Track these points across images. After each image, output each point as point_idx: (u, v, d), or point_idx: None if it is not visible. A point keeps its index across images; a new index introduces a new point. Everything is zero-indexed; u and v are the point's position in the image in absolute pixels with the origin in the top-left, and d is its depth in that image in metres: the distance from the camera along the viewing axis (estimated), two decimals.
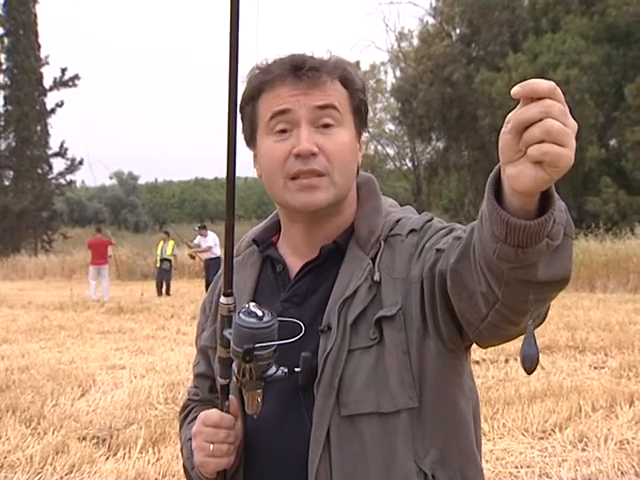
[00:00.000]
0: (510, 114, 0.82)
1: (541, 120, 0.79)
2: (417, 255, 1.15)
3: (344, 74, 1.21)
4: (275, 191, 1.22)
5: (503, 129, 0.83)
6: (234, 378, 1.09)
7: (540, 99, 0.80)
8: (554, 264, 0.91)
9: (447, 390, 1.16)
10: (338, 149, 1.18)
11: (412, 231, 1.19)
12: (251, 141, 1.25)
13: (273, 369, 1.08)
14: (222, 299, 1.11)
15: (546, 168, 0.80)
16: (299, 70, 1.17)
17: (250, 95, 1.22)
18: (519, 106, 0.81)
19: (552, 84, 0.80)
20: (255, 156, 1.27)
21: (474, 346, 1.19)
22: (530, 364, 0.93)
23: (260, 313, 1.06)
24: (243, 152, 1.29)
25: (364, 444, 1.12)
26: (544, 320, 1.05)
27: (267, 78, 1.19)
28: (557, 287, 0.94)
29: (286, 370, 1.09)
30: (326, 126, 1.18)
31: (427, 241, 1.15)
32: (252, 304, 1.07)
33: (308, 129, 1.17)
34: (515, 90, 0.81)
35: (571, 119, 0.81)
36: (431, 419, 1.14)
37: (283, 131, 1.18)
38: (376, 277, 1.16)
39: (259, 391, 1.09)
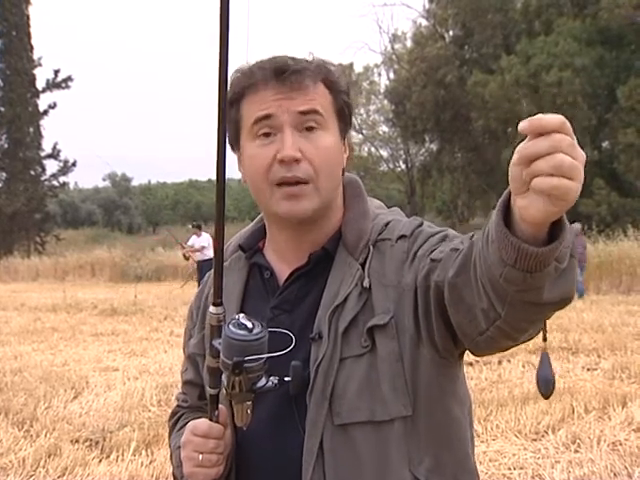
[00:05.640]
0: (519, 147, 0.81)
1: (550, 154, 0.78)
2: (409, 262, 1.14)
3: (327, 76, 1.21)
4: (261, 198, 1.21)
5: (512, 161, 0.82)
6: (223, 390, 1.08)
7: (549, 133, 0.78)
8: (559, 286, 0.91)
9: (441, 397, 1.16)
10: (322, 154, 1.17)
11: (402, 237, 1.18)
12: (235, 144, 1.25)
13: (263, 381, 1.06)
14: (211, 309, 1.08)
15: (554, 201, 0.80)
16: (282, 74, 1.16)
17: (233, 99, 1.20)
18: (527, 139, 0.80)
19: (561, 118, 0.79)
20: (239, 158, 1.26)
21: None
22: (546, 388, 0.92)
23: (250, 325, 1.04)
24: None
25: (358, 453, 1.11)
26: (539, 332, 1.05)
27: (249, 82, 1.18)
28: (559, 307, 0.94)
29: (276, 381, 1.07)
30: (310, 129, 1.17)
31: (419, 248, 1.14)
32: (242, 315, 1.06)
33: (292, 134, 1.16)
34: (522, 125, 0.79)
35: (579, 151, 0.80)
36: (425, 427, 1.13)
37: (266, 135, 1.17)
38: (366, 283, 1.15)
39: (249, 403, 1.08)
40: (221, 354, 1.05)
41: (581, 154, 0.80)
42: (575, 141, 0.80)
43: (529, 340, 1.05)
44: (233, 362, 1.02)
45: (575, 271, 0.93)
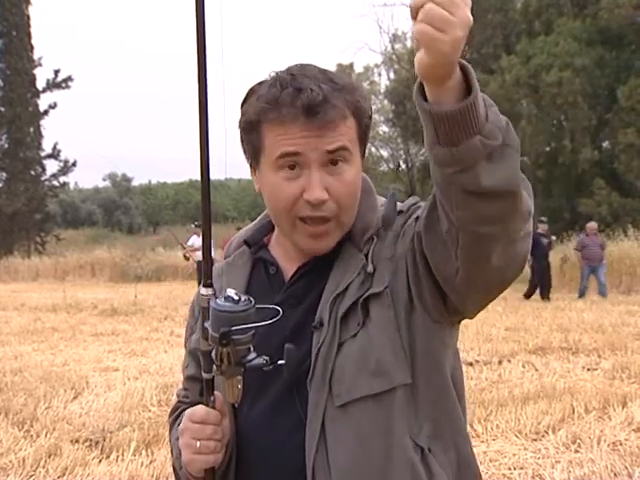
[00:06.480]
0: None
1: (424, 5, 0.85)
2: (402, 234, 1.18)
3: (357, 105, 1.18)
4: (282, 226, 1.23)
5: None
6: (214, 367, 1.08)
7: None
8: (497, 172, 0.93)
9: (436, 363, 1.18)
10: (347, 190, 1.17)
11: (399, 213, 1.21)
12: (254, 162, 1.23)
13: (253, 355, 1.06)
14: (202, 290, 1.10)
15: (426, 50, 0.86)
16: (313, 114, 1.11)
17: (255, 123, 1.17)
18: None
19: None
20: (254, 170, 1.24)
21: (467, 347, 1.19)
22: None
23: (237, 298, 1.05)
24: (237, 154, 1.29)
25: (360, 429, 1.12)
26: (520, 268, 1.07)
27: (276, 115, 1.13)
28: (506, 201, 0.96)
29: (267, 358, 1.07)
30: (335, 163, 1.16)
31: (411, 219, 1.18)
32: (230, 290, 1.07)
33: (319, 172, 1.14)
34: None
35: (463, 12, 0.86)
36: (423, 393, 1.16)
37: (291, 167, 1.15)
38: (369, 269, 1.17)
39: (239, 377, 1.08)
40: (210, 329, 1.06)
41: (462, 14, 0.86)
42: (462, 1, 0.86)
43: (509, 274, 1.06)
44: (220, 333, 1.03)
45: (515, 161, 0.96)
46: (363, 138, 1.22)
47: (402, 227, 1.19)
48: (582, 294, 14.82)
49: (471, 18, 0.87)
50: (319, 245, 1.19)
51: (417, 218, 1.14)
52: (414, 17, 0.86)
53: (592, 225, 15.68)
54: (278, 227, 1.27)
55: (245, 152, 1.25)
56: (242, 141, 1.24)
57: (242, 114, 1.21)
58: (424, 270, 1.11)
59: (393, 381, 1.13)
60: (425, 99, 0.93)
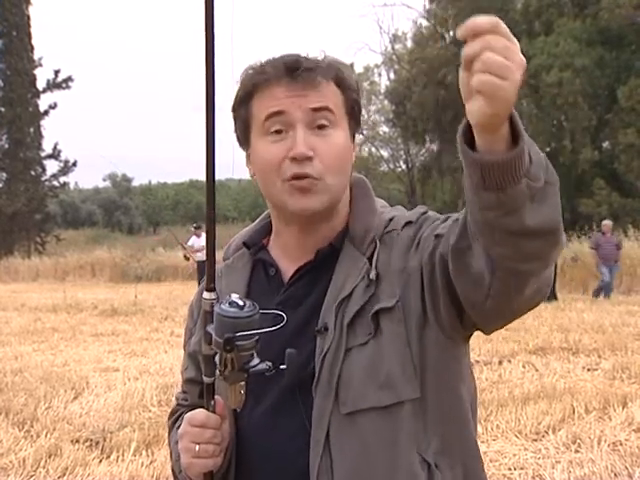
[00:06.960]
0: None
1: (481, 54, 0.82)
2: (415, 246, 1.16)
3: (339, 75, 1.21)
4: (271, 192, 1.21)
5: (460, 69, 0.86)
6: (217, 371, 1.08)
7: (482, 35, 0.83)
8: (541, 211, 0.92)
9: (447, 378, 1.17)
10: (333, 151, 1.18)
11: (408, 223, 1.20)
12: (245, 142, 1.25)
13: (256, 360, 1.06)
14: (205, 294, 1.09)
15: (488, 100, 0.83)
16: (294, 71, 1.16)
17: (244, 96, 1.21)
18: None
19: (494, 20, 0.83)
20: (248, 156, 1.26)
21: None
22: None
23: (241, 303, 1.05)
24: (237, 154, 1.29)
25: (366, 440, 1.11)
26: (548, 290, 1.06)
27: (261, 78, 1.18)
28: (548, 239, 0.95)
29: (270, 364, 1.07)
30: (321, 127, 1.18)
31: (425, 231, 1.16)
32: (234, 295, 1.06)
33: (304, 131, 1.16)
34: (459, 32, 0.85)
35: (518, 55, 0.84)
36: (432, 408, 1.14)
37: (278, 132, 1.17)
38: (372, 275, 1.16)
39: (242, 383, 1.08)
40: (214, 334, 1.05)
41: (518, 58, 0.84)
42: (514, 45, 0.84)
43: (539, 298, 1.05)
44: (224, 338, 1.02)
45: (556, 198, 0.95)
46: (351, 113, 1.23)
47: (413, 239, 1.17)
48: (602, 291, 14.58)
49: (524, 59, 0.85)
50: (306, 202, 1.17)
51: (437, 235, 1.11)
52: (468, 68, 0.84)
53: (606, 223, 15.48)
54: (270, 199, 1.24)
55: (238, 139, 1.26)
56: (235, 124, 1.25)
57: (235, 97, 1.23)
58: (443, 289, 1.09)
59: (401, 395, 1.12)
60: (470, 147, 0.90)
